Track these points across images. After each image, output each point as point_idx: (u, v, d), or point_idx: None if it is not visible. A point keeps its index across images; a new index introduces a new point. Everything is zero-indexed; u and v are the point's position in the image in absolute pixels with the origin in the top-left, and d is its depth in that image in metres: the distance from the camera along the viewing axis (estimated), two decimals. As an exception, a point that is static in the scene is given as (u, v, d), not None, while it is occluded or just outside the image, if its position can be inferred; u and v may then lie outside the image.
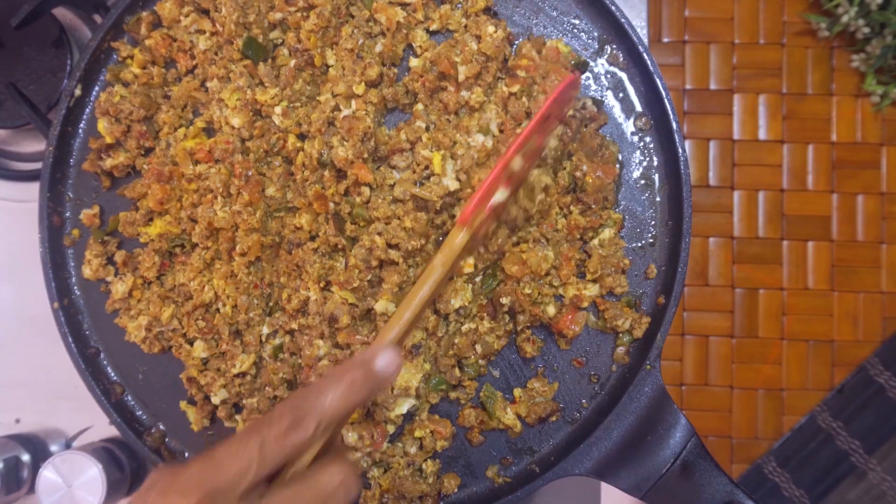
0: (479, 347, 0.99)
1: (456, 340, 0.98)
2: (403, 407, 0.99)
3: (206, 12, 1.04)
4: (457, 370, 1.00)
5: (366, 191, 0.98)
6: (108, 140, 1.03)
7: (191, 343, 1.03)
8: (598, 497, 1.20)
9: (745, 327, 2.26)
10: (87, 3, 1.21)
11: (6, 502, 1.16)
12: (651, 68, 0.99)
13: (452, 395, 1.01)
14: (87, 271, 1.04)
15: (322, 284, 0.98)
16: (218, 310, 1.02)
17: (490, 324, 0.99)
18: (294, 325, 1.00)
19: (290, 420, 0.64)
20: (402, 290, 0.97)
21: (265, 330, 1.02)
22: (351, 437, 0.98)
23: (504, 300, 0.97)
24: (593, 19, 1.03)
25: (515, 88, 0.98)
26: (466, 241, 0.81)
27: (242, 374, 1.01)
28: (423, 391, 1.00)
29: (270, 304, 1.02)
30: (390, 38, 1.01)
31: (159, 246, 1.02)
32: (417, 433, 1.00)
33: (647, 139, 1.02)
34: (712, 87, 2.28)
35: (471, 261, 0.96)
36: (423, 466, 1.00)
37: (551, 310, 0.98)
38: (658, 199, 1.02)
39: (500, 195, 0.83)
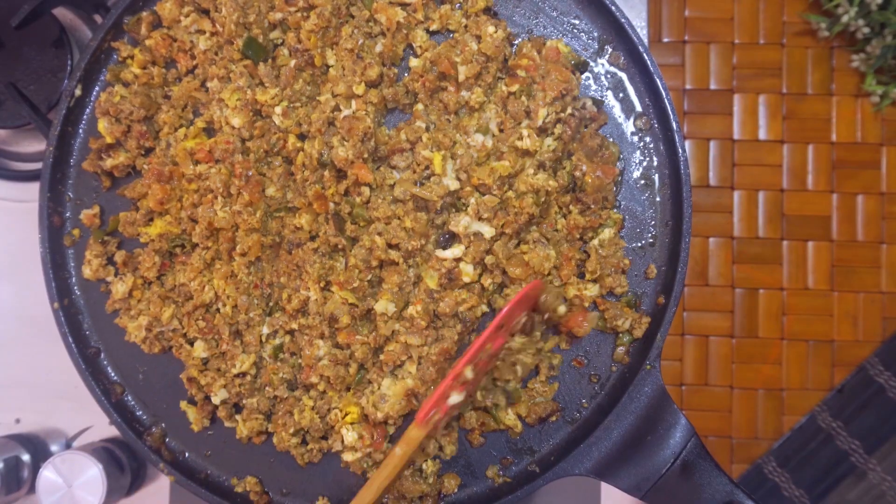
0: (518, 369, 0.97)
1: (498, 363, 0.97)
2: None
3: (206, 12, 1.04)
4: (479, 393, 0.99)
5: (366, 191, 0.98)
6: (109, 140, 1.03)
7: (191, 343, 1.03)
8: (598, 497, 1.20)
9: (745, 327, 2.26)
10: (88, 3, 1.21)
11: (6, 502, 1.16)
12: (651, 68, 0.99)
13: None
14: (87, 271, 1.04)
15: (322, 284, 0.98)
16: (218, 310, 1.02)
17: (521, 339, 0.97)
18: (294, 325, 1.00)
19: None
20: (402, 290, 0.97)
21: (265, 330, 1.02)
22: (350, 436, 0.98)
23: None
24: (593, 19, 1.03)
25: (515, 88, 0.98)
26: (423, 437, 0.91)
27: (242, 374, 1.01)
28: None
29: (270, 304, 1.03)
30: (390, 38, 1.01)
31: (159, 246, 1.02)
32: None
33: (647, 139, 1.02)
34: (712, 87, 2.28)
35: (469, 269, 0.97)
36: (423, 467, 1.00)
37: (562, 309, 0.98)
38: (658, 199, 1.02)
39: (455, 398, 0.91)
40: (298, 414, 1.00)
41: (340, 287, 0.96)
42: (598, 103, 1.02)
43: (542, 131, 0.98)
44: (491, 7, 1.03)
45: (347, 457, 1.00)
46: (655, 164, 1.02)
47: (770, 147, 2.27)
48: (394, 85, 1.02)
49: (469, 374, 0.90)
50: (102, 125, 1.03)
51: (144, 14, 1.05)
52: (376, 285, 0.99)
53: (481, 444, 1.01)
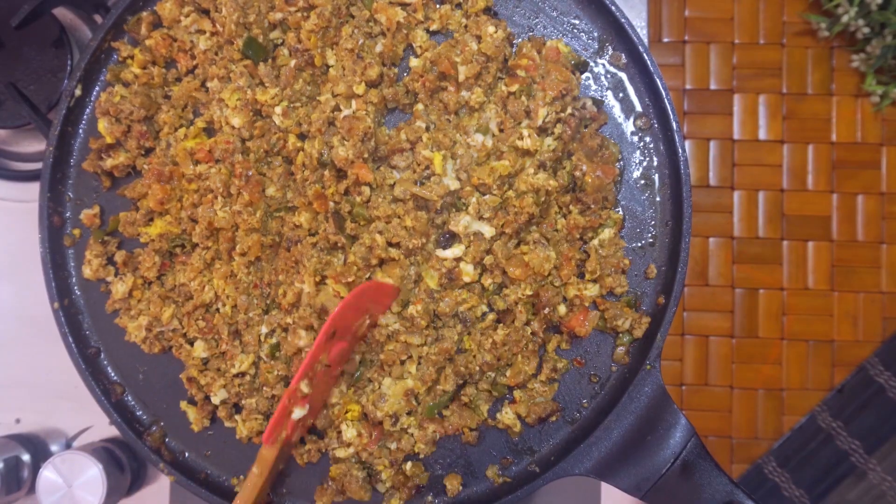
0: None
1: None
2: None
3: (206, 12, 1.04)
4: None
5: (366, 190, 0.98)
6: (109, 140, 1.03)
7: (191, 343, 1.03)
8: (598, 497, 1.20)
9: (745, 327, 2.26)
10: (88, 3, 1.21)
11: (6, 502, 1.16)
12: (651, 68, 0.99)
13: (446, 412, 1.01)
14: (87, 271, 1.04)
15: (318, 279, 0.98)
16: (218, 310, 1.02)
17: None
18: (289, 321, 1.00)
19: None
20: (402, 289, 0.97)
21: (264, 329, 1.01)
22: (350, 433, 0.98)
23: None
24: (593, 19, 1.03)
25: (515, 88, 0.98)
26: (277, 453, 0.93)
27: (242, 374, 1.01)
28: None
29: (269, 303, 1.02)
30: (390, 38, 1.01)
31: (159, 246, 1.02)
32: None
33: (647, 139, 1.02)
34: (712, 87, 2.28)
35: (470, 269, 0.97)
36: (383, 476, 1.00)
37: (562, 309, 0.98)
38: (658, 199, 1.02)
39: (298, 412, 0.92)
40: (298, 414, 1.00)
41: (335, 280, 0.96)
42: (598, 103, 1.02)
43: (542, 131, 0.98)
44: (491, 7, 1.03)
45: (340, 454, 1.00)
46: (655, 164, 1.02)
47: (770, 147, 2.27)
48: (394, 85, 1.02)
49: (305, 388, 0.90)
50: (102, 125, 1.03)
51: (144, 14, 1.05)
52: (376, 285, 0.99)
53: (475, 440, 1.01)
